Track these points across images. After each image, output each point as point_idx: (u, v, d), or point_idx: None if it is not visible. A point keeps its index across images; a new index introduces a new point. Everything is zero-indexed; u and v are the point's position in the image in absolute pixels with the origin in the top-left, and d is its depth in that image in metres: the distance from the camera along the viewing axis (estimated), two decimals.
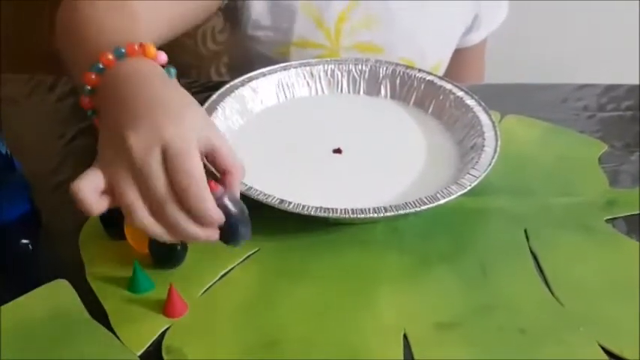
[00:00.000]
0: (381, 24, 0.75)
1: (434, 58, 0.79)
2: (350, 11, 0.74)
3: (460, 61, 0.85)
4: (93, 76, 0.44)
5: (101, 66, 0.44)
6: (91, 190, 0.39)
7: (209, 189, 0.39)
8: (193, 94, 0.69)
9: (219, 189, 0.40)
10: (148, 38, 0.57)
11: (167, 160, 0.38)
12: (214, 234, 0.40)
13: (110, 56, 0.44)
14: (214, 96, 0.59)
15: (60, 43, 0.54)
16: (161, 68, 0.45)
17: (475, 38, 0.84)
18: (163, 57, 0.46)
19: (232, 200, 0.41)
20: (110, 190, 0.40)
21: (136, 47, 0.44)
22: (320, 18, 0.73)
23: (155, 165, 0.38)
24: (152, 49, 0.45)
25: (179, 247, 0.46)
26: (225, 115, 0.59)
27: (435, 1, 0.76)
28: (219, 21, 1.04)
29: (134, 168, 0.39)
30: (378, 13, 0.74)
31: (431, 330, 0.44)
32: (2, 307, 0.45)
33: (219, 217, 0.39)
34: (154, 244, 0.46)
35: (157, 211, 0.39)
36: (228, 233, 0.41)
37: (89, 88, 0.45)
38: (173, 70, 0.47)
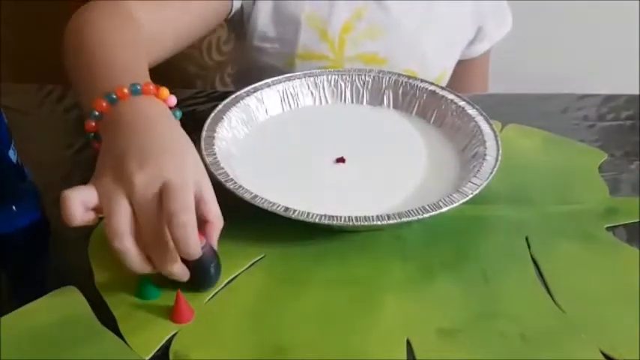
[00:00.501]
0: (384, 35, 0.76)
1: (437, 70, 0.80)
2: (354, 23, 0.75)
3: (464, 73, 0.86)
4: (104, 104, 0.47)
5: (114, 97, 0.47)
6: (79, 201, 0.42)
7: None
8: (198, 104, 0.71)
9: (202, 238, 0.44)
10: (154, 51, 0.59)
11: (165, 195, 0.41)
12: (186, 274, 0.45)
13: (126, 90, 0.47)
14: (220, 106, 0.60)
15: (67, 59, 0.56)
16: (169, 110, 0.49)
17: (479, 50, 0.85)
18: (173, 100, 0.49)
19: (210, 249, 0.45)
20: (99, 209, 0.43)
21: (151, 87, 0.48)
22: (324, 29, 0.74)
23: (154, 202, 0.42)
24: (165, 92, 0.48)
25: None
26: (231, 124, 0.60)
27: (438, 13, 0.78)
28: (224, 32, 1.05)
29: (134, 200, 0.42)
30: (381, 24, 0.75)
31: (433, 336, 0.45)
32: (12, 313, 0.46)
33: (198, 254, 0.43)
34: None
35: (143, 240, 0.42)
36: (201, 278, 0.46)
37: (97, 113, 0.47)
38: (179, 113, 0.50)
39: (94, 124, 0.48)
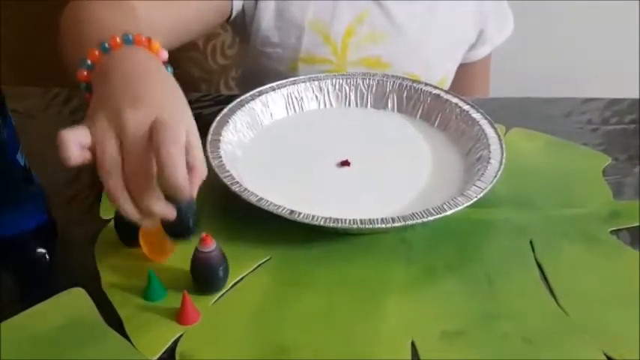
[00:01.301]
0: (387, 39, 0.76)
1: (440, 73, 0.81)
2: (356, 27, 0.75)
3: (466, 76, 0.86)
4: (96, 52, 0.46)
5: (107, 45, 0.47)
6: (75, 142, 0.42)
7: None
8: (204, 107, 0.71)
9: (212, 242, 0.46)
10: None
11: (156, 129, 0.40)
12: (173, 212, 0.42)
13: (118, 40, 0.47)
14: (225, 110, 0.61)
15: (61, 43, 0.56)
16: (161, 62, 0.48)
17: (481, 53, 0.85)
18: (165, 54, 0.49)
19: (220, 252, 0.47)
20: (93, 150, 0.42)
21: (144, 39, 0.47)
22: (327, 34, 0.75)
23: (144, 140, 0.41)
24: (157, 45, 0.48)
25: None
26: (237, 128, 0.60)
27: (440, 17, 0.78)
28: (228, 36, 1.06)
29: (125, 137, 0.41)
30: (384, 29, 0.76)
31: (437, 338, 0.45)
32: (20, 315, 0.46)
33: (186, 191, 0.40)
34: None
35: (127, 178, 0.41)
36: (210, 280, 0.47)
37: (90, 62, 0.47)
38: (170, 69, 0.49)
39: (85, 73, 0.47)
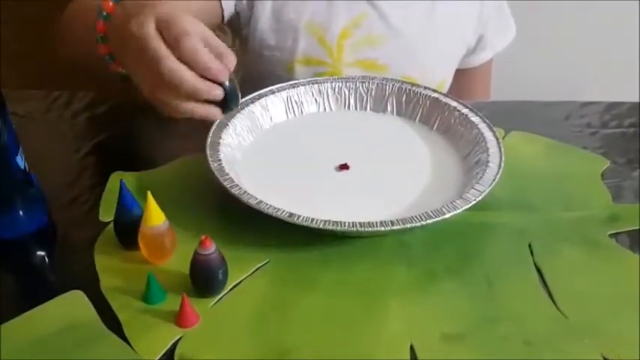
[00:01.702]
0: (383, 42, 0.76)
1: (437, 77, 0.81)
2: (351, 30, 0.76)
3: (467, 81, 0.86)
4: (110, 3, 0.52)
5: (105, 13, 0.53)
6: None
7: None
8: None
9: (211, 245, 0.46)
10: None
11: (162, 27, 0.45)
12: (219, 91, 0.46)
13: (110, 2, 0.53)
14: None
15: (63, 32, 0.62)
16: None
17: (481, 58, 0.85)
18: None
19: (219, 255, 0.47)
20: None
21: None
22: (322, 36, 0.75)
23: (149, 28, 0.44)
24: None
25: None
26: (237, 131, 0.60)
27: (438, 21, 0.78)
28: (227, 39, 1.06)
29: (135, 46, 0.45)
30: (380, 32, 0.76)
31: (437, 341, 0.45)
32: (19, 317, 0.46)
33: (220, 67, 0.45)
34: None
35: (158, 75, 0.45)
36: (210, 283, 0.47)
37: (106, 13, 0.52)
38: None
39: (102, 23, 0.52)
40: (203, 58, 0.44)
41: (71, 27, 0.61)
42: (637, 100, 0.73)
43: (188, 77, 0.44)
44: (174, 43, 0.44)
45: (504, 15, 0.85)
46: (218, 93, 0.45)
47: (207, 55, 0.44)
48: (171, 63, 0.44)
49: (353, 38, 0.75)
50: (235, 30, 0.79)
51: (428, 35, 0.78)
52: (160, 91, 0.45)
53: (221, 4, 0.72)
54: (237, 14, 0.76)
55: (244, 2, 0.75)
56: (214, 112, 0.46)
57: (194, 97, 0.45)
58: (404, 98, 0.66)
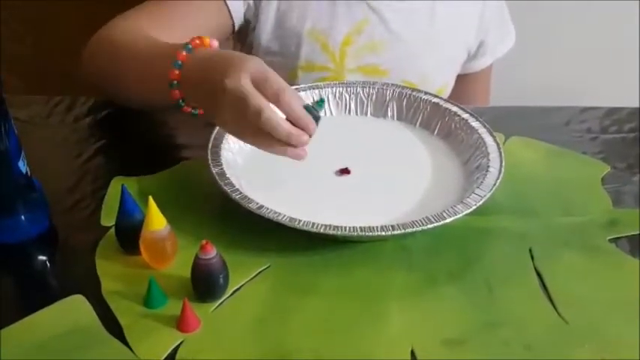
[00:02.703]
0: (385, 48, 0.77)
1: (438, 82, 0.81)
2: (354, 36, 0.76)
3: (467, 86, 0.86)
4: (183, 53, 0.56)
5: (191, 47, 0.56)
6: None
7: None
8: None
9: (212, 250, 0.47)
10: None
11: (259, 83, 0.51)
12: (306, 137, 0.52)
13: (197, 41, 0.57)
14: None
15: (101, 58, 0.66)
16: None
17: (481, 64, 0.86)
18: (215, 43, 0.58)
19: (220, 260, 0.48)
20: None
21: (197, 41, 0.57)
22: (325, 42, 0.76)
23: (248, 85, 0.50)
24: (207, 40, 0.58)
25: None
26: None
27: (439, 28, 0.78)
28: (229, 45, 1.06)
29: (234, 100, 0.51)
30: (382, 38, 0.76)
31: (438, 346, 0.45)
32: (20, 321, 0.46)
33: (308, 119, 0.52)
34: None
35: (256, 125, 0.50)
36: (211, 288, 0.48)
37: (180, 62, 0.56)
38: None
39: (177, 72, 0.56)
40: (298, 112, 0.51)
41: (120, 59, 0.64)
42: (637, 106, 0.73)
43: (284, 127, 0.51)
44: (274, 98, 0.51)
45: (505, 21, 0.85)
46: (305, 139, 0.52)
47: (300, 108, 0.51)
48: (270, 114, 0.50)
49: (355, 44, 0.76)
50: (240, 38, 0.80)
51: (429, 41, 0.78)
52: (256, 136, 0.52)
53: (232, 17, 0.74)
54: (245, 24, 0.76)
55: (252, 11, 0.75)
56: (302, 153, 0.53)
57: (287, 141, 0.51)
58: (404, 103, 0.66)
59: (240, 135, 0.55)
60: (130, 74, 0.63)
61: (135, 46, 0.63)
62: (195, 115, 0.59)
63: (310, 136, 0.52)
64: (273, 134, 0.51)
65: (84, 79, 0.69)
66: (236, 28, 0.76)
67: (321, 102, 0.55)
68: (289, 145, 0.52)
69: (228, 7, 0.73)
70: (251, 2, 0.75)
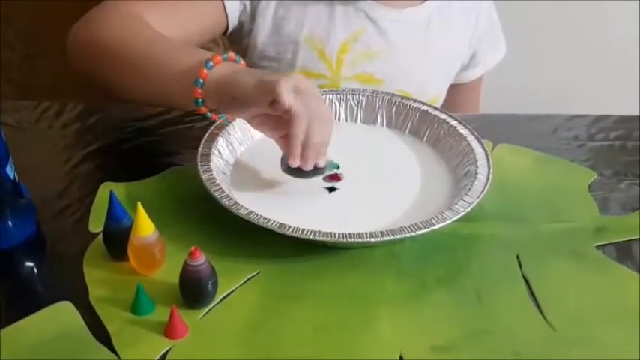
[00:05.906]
0: (381, 57, 0.77)
1: (432, 92, 0.82)
2: (351, 44, 0.76)
3: (457, 96, 0.87)
4: (205, 71, 0.56)
5: (211, 63, 0.56)
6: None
7: None
8: (196, 121, 0.71)
9: (201, 256, 0.47)
10: None
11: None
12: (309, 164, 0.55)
13: (219, 58, 0.57)
14: (217, 123, 0.61)
15: (90, 53, 0.64)
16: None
17: (473, 74, 0.87)
18: (232, 54, 0.58)
19: (209, 266, 0.48)
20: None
21: (219, 58, 0.57)
22: (322, 50, 0.76)
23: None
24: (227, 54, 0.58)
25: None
26: (229, 140, 0.61)
27: (435, 39, 0.79)
28: (219, 51, 1.06)
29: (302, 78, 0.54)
30: (379, 47, 0.77)
31: (427, 352, 0.45)
32: (7, 328, 0.46)
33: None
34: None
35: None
36: (199, 294, 0.48)
37: (202, 80, 0.56)
38: (238, 59, 0.59)
39: (200, 90, 0.56)
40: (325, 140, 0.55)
41: (124, 54, 0.62)
42: (623, 114, 0.74)
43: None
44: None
45: (496, 32, 0.86)
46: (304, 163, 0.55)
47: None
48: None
49: (352, 52, 0.76)
50: (234, 41, 0.80)
51: (425, 51, 0.79)
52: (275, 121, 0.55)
53: (227, 16, 0.74)
54: (240, 26, 0.76)
55: (247, 14, 0.75)
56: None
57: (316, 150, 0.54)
58: (394, 110, 0.67)
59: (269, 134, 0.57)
60: (136, 73, 0.61)
61: (144, 45, 0.61)
62: (208, 118, 0.59)
63: (308, 166, 0.55)
64: (290, 132, 0.53)
65: (70, 63, 0.68)
66: (229, 30, 0.75)
67: (334, 165, 0.59)
68: (294, 149, 0.53)
69: (224, 6, 0.73)
70: (247, 3, 0.75)
